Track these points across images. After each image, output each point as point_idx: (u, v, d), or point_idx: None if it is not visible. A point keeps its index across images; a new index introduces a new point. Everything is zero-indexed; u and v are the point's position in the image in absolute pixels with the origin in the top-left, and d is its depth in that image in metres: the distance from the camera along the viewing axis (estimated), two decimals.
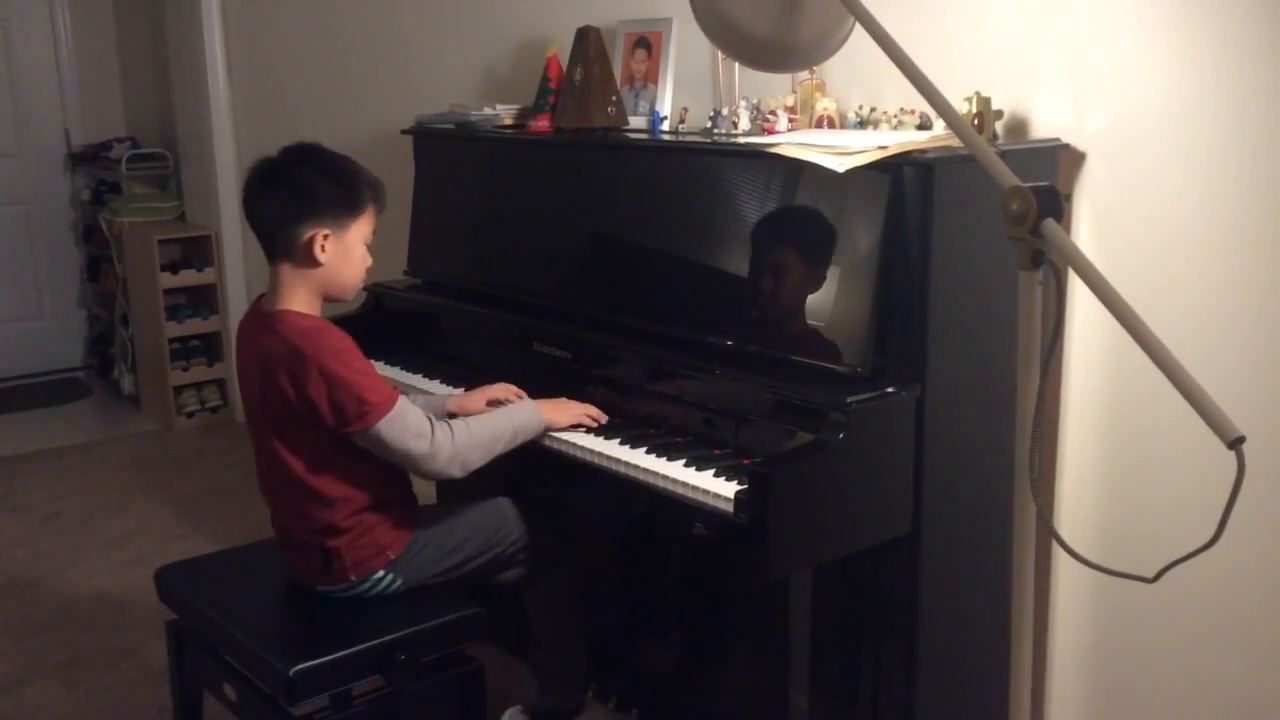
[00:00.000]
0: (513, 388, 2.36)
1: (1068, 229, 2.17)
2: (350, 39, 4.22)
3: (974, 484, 2.07)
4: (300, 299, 2.09)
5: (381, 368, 2.65)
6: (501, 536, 2.26)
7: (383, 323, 2.88)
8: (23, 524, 3.99)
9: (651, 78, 2.81)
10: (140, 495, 4.24)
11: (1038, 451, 1.34)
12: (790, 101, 2.45)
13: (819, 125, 2.39)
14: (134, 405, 5.37)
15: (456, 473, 2.11)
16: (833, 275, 2.06)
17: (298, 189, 2.06)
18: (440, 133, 3.04)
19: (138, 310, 5.18)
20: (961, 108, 2.12)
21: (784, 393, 1.99)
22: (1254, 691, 2.05)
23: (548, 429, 2.22)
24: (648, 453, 2.10)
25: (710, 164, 2.31)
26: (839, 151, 1.99)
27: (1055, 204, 1.25)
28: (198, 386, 5.09)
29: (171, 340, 4.98)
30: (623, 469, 2.09)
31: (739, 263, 2.23)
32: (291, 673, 1.94)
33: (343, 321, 2.27)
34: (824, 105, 2.40)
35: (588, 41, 2.73)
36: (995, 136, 2.16)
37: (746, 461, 1.99)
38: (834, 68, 2.30)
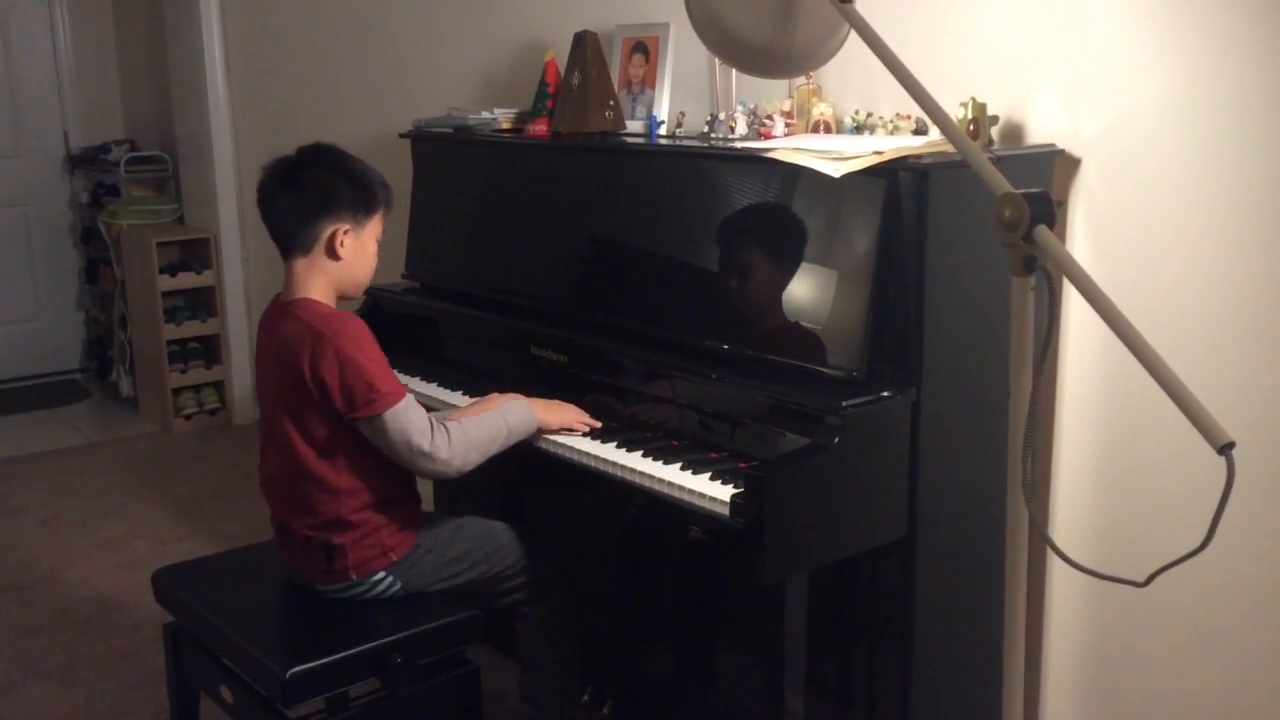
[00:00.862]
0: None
1: (1063, 234, 2.18)
2: (349, 42, 4.23)
3: (968, 488, 2.08)
4: (318, 291, 2.15)
5: None
6: (500, 558, 2.28)
7: (380, 326, 2.86)
8: (20, 526, 3.99)
9: (649, 82, 2.82)
10: (138, 497, 4.24)
11: (1031, 456, 1.34)
12: (787, 106, 2.46)
13: (815, 130, 2.40)
14: (132, 407, 5.37)
15: (454, 473, 2.13)
16: (828, 280, 2.07)
17: (319, 188, 2.12)
18: (438, 136, 3.05)
19: (136, 312, 5.18)
20: (957, 113, 2.13)
21: (780, 396, 1.99)
22: (1245, 695, 2.05)
23: (540, 429, 2.24)
24: (644, 456, 2.10)
25: (707, 168, 2.32)
26: (835, 156, 2.00)
27: (1048, 210, 1.26)
28: (196, 389, 5.09)
29: (170, 342, 4.98)
30: (619, 472, 2.09)
31: (735, 267, 2.23)
32: (288, 675, 1.95)
33: None
34: (820, 110, 2.41)
35: (585, 46, 2.74)
36: (991, 142, 2.16)
37: (743, 465, 1.99)
38: (830, 73, 2.31)
